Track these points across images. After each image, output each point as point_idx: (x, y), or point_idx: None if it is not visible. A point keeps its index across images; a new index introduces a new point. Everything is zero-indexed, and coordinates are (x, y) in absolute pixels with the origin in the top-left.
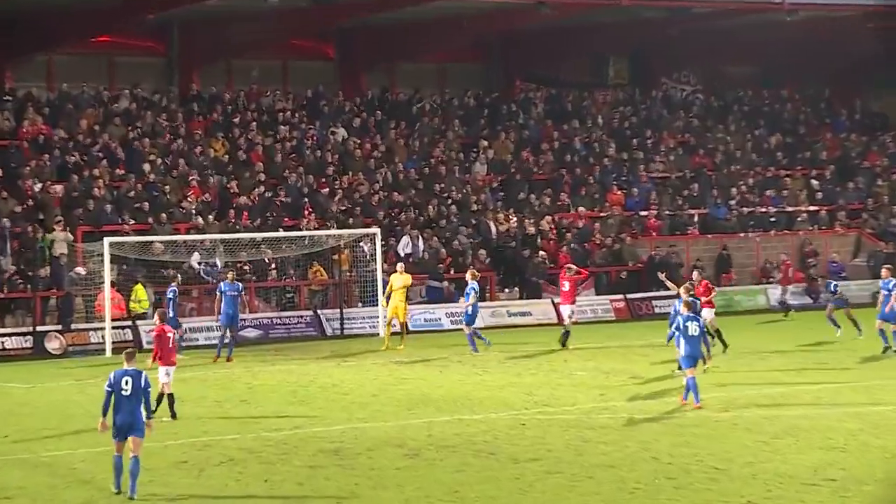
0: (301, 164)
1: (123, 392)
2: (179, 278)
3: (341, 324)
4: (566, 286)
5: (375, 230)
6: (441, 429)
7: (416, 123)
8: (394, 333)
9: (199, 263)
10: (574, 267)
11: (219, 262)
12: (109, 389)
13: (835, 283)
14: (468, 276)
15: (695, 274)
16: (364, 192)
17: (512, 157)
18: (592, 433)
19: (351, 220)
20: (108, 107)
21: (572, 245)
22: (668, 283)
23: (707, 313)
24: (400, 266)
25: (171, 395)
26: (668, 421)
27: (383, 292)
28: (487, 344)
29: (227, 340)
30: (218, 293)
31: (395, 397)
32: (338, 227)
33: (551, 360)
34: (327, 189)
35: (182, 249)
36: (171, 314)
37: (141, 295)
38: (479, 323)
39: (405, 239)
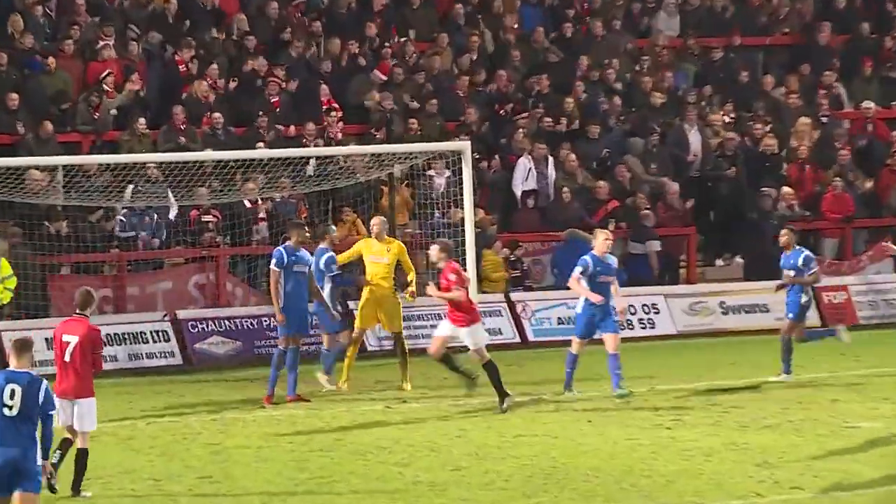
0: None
1: (6, 410)
2: None
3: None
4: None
5: (462, 143)
6: None
7: None
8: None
9: (132, 212)
10: None
11: (173, 211)
12: None
13: None
14: (600, 238)
15: None
16: (438, 65)
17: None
18: None
19: (414, 124)
20: None
21: None
22: None
23: None
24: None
25: (83, 452)
26: None
27: (474, 265)
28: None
29: (287, 362)
30: (275, 268)
31: (506, 472)
32: (381, 136)
33: (803, 396)
34: (362, 59)
35: (99, 184)
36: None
37: (5, 270)
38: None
39: (524, 164)
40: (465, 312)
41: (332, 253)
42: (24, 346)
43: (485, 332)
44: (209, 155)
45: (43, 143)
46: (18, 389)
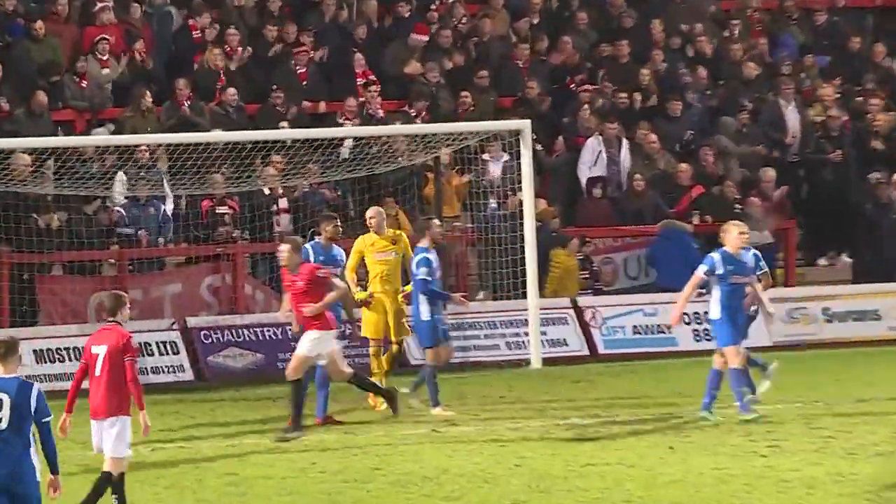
0: None
1: None
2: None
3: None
4: None
5: (521, 122)
6: None
7: None
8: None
9: (133, 203)
10: None
11: (169, 201)
12: None
13: None
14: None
15: None
16: (491, 30)
17: None
18: None
19: (467, 98)
20: None
21: None
22: None
23: None
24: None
25: (106, 477)
26: None
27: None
28: (767, 375)
29: (316, 378)
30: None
31: None
32: (425, 114)
33: None
34: (402, 23)
35: (96, 169)
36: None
37: None
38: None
39: (592, 145)
40: (319, 317)
41: (429, 255)
42: (9, 348)
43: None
44: (226, 136)
45: (32, 121)
46: (6, 399)
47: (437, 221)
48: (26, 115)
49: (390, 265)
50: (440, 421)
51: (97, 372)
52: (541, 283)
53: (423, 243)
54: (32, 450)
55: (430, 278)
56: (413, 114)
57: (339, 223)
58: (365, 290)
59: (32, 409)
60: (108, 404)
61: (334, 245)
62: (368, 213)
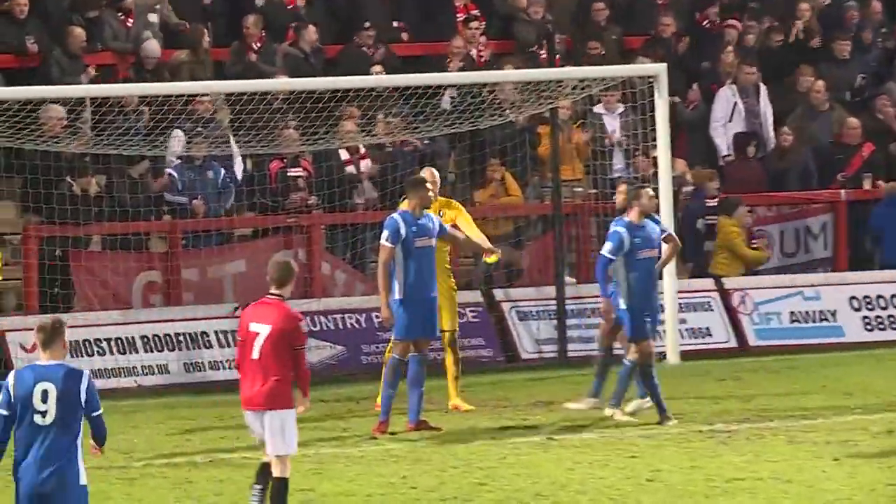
0: None
1: (37, 417)
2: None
3: (560, 330)
4: None
5: (655, 67)
6: None
7: None
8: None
9: (179, 164)
10: None
11: (238, 163)
12: (6, 413)
13: None
14: None
15: None
16: None
17: None
18: None
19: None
20: None
21: None
22: None
23: None
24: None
25: (280, 485)
26: None
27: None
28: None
29: (408, 375)
30: (388, 243)
31: None
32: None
33: None
34: None
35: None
36: None
37: None
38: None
39: (725, 95)
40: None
41: (623, 229)
42: (52, 332)
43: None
44: (302, 83)
45: (65, 66)
46: (52, 390)
47: (649, 191)
48: (59, 59)
49: (440, 242)
50: (557, 428)
51: (254, 354)
52: (689, 259)
53: (630, 216)
54: (80, 451)
55: (611, 256)
56: (525, 57)
57: (430, 187)
58: None
59: (83, 401)
60: (270, 394)
61: (427, 213)
62: (424, 174)
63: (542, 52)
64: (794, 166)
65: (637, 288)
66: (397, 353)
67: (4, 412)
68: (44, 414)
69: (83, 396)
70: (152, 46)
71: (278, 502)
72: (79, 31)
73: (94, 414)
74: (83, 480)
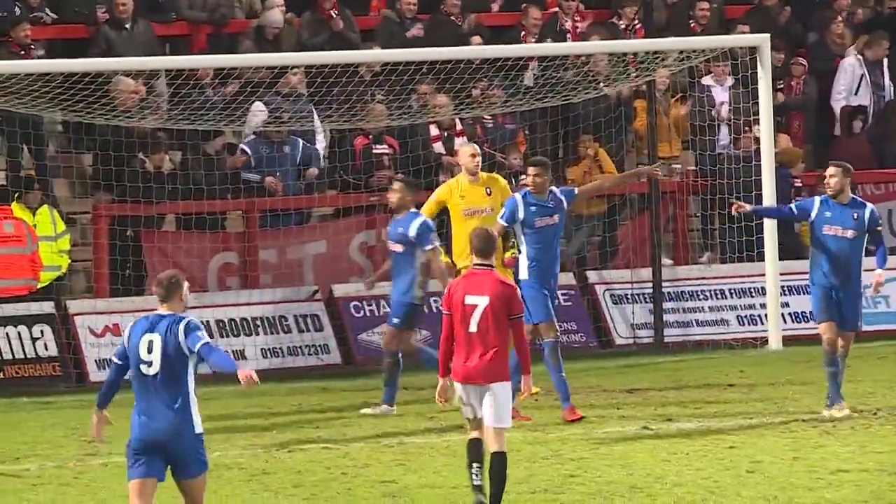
0: None
1: (143, 368)
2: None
3: (657, 314)
4: None
5: (758, 37)
6: None
7: None
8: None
9: (261, 140)
10: None
11: (320, 141)
12: (119, 362)
13: None
14: None
15: None
16: None
17: None
18: None
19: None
20: None
21: None
22: None
23: None
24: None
25: (500, 459)
26: None
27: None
28: None
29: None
30: (503, 222)
31: None
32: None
33: None
34: None
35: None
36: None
37: (48, 226)
38: None
39: (851, 66)
40: None
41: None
42: (170, 286)
43: None
44: (386, 54)
45: (133, 36)
46: (157, 340)
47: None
48: (121, 29)
49: (488, 221)
50: (652, 417)
51: (472, 328)
52: (783, 241)
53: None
54: (192, 399)
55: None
56: (622, 26)
57: (544, 166)
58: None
59: (185, 346)
60: (490, 367)
61: (552, 191)
62: (467, 150)
63: (637, 22)
64: None
65: (537, 262)
66: (550, 336)
67: (118, 361)
68: (149, 364)
69: (182, 340)
70: (275, 16)
71: (500, 478)
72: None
73: (199, 346)
74: (198, 429)
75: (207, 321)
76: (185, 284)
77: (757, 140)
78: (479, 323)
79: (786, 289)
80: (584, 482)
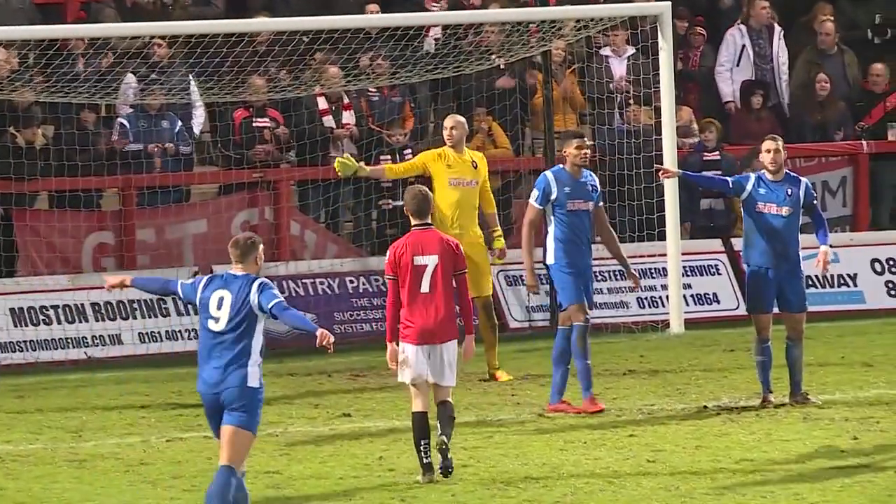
0: None
1: (211, 323)
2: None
3: (552, 297)
4: None
5: (659, 4)
6: None
7: None
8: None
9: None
10: None
11: (199, 115)
12: (180, 293)
13: None
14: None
15: None
16: None
17: None
18: None
19: None
20: None
21: None
22: None
23: None
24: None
25: (446, 406)
26: None
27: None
28: None
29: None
30: (537, 204)
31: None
32: None
33: None
34: None
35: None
36: None
37: None
38: None
39: (734, 37)
40: None
41: None
42: (246, 247)
43: None
44: (271, 23)
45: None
46: (228, 297)
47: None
48: None
49: (471, 194)
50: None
51: (424, 288)
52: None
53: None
54: (254, 356)
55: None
56: None
57: (587, 142)
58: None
59: (255, 305)
60: (444, 327)
61: (586, 172)
62: (448, 122)
63: None
64: (833, 118)
65: (566, 245)
66: (580, 319)
67: (180, 292)
68: (217, 320)
69: (255, 299)
70: None
71: (450, 420)
72: None
73: (270, 305)
74: (255, 383)
75: (83, 304)
76: (261, 247)
77: (657, 113)
78: (430, 282)
79: (687, 269)
80: (478, 472)
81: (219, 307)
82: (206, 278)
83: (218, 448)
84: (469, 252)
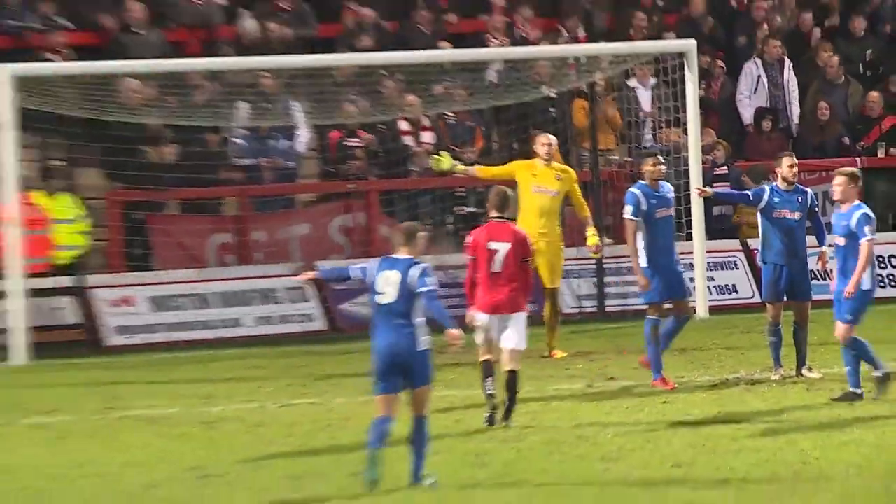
0: None
1: (378, 296)
2: None
3: (599, 287)
4: None
5: (685, 43)
6: None
7: None
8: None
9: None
10: None
11: (302, 128)
12: (350, 277)
13: None
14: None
15: None
16: None
17: None
18: None
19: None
20: None
21: None
22: None
23: None
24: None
25: (513, 375)
26: None
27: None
28: None
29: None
30: (632, 217)
31: (742, 469)
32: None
33: None
34: None
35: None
36: None
37: (68, 211)
38: None
39: (750, 70)
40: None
41: None
42: (409, 234)
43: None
44: (358, 58)
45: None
46: (395, 275)
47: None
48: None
49: (551, 202)
50: (598, 375)
51: (496, 268)
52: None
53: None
54: (421, 326)
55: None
56: (566, 33)
57: (659, 158)
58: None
59: (415, 285)
60: (512, 300)
61: (663, 184)
62: (542, 139)
63: (581, 30)
64: (832, 138)
65: (659, 249)
66: (653, 314)
67: (351, 276)
68: (384, 294)
69: (415, 280)
70: (250, 24)
71: (514, 389)
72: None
73: (421, 289)
74: (422, 346)
75: (207, 293)
76: (423, 233)
77: (680, 135)
78: (502, 263)
79: (711, 265)
80: (537, 432)
81: (387, 284)
82: (374, 263)
83: (372, 405)
84: (546, 250)
